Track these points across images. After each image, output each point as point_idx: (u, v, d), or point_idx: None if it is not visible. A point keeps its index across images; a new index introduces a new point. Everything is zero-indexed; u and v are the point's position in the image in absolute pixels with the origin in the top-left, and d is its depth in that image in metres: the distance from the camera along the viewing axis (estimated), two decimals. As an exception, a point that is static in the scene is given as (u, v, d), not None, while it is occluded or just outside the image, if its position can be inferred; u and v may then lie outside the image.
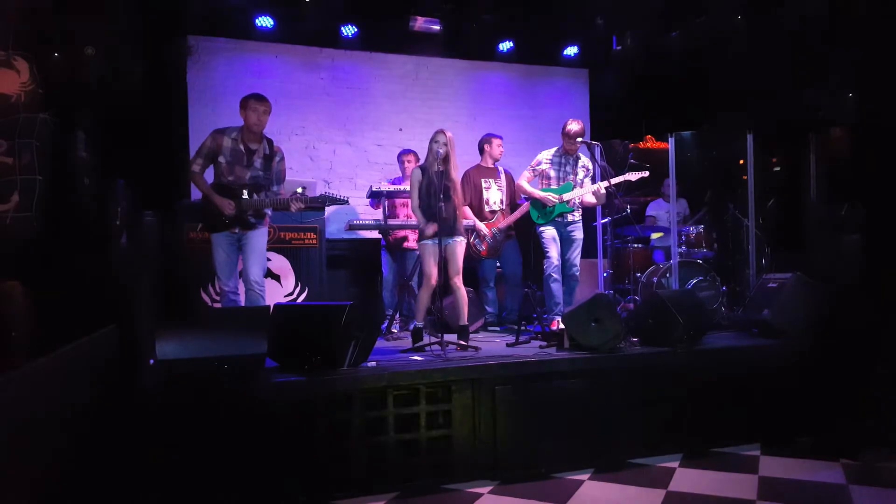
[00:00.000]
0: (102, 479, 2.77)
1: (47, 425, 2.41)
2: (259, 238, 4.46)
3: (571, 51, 7.75)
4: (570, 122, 5.25)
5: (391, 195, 5.65)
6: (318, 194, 6.14)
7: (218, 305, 4.89)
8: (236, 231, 4.38)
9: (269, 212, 4.57)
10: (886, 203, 4.72)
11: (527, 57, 7.78)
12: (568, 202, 5.21)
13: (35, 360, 2.55)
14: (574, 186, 5.27)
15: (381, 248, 5.96)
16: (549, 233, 5.25)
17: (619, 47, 7.41)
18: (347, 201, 4.63)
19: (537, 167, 5.36)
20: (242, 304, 4.49)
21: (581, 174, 5.36)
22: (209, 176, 4.43)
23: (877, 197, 4.85)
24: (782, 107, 5.93)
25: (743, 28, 6.39)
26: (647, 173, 5.37)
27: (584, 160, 5.41)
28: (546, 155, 5.37)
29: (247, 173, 4.42)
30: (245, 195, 4.37)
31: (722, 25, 6.46)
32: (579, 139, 5.21)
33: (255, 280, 4.41)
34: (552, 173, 5.31)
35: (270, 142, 4.52)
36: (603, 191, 5.26)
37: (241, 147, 4.41)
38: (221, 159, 4.38)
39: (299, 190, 5.62)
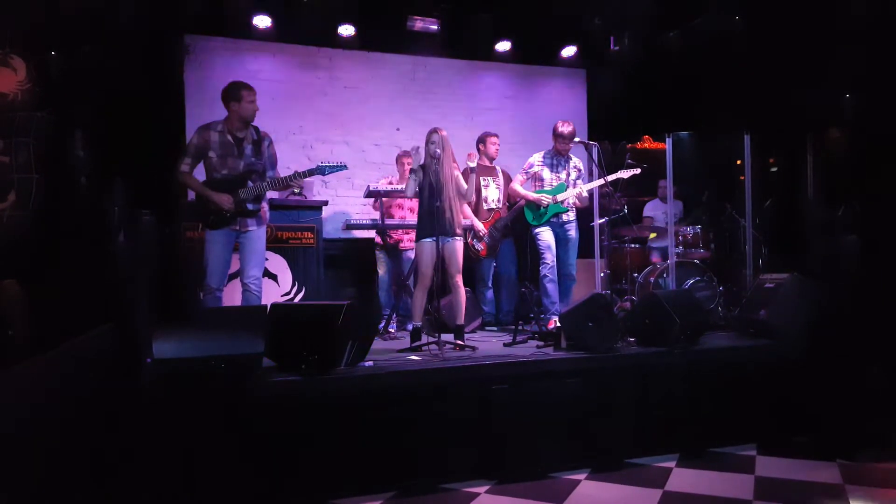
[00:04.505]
0: (99, 477, 2.77)
1: (44, 423, 2.41)
2: (258, 239, 4.44)
3: (569, 51, 7.74)
4: (561, 123, 5.28)
5: (388, 195, 5.65)
6: (315, 193, 6.17)
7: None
8: (237, 227, 4.33)
9: (265, 205, 4.51)
10: (883, 203, 4.73)
11: (524, 57, 7.77)
12: (562, 202, 5.23)
13: (32, 358, 2.55)
14: (567, 187, 5.29)
15: (377, 248, 5.95)
16: (544, 233, 5.27)
17: (616, 47, 7.40)
18: (346, 167, 4.55)
19: (529, 170, 5.40)
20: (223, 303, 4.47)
21: (573, 175, 5.38)
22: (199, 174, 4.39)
23: (874, 197, 4.86)
24: (780, 107, 5.94)
25: (740, 28, 6.40)
26: (638, 170, 5.38)
27: (576, 160, 5.45)
28: (537, 157, 5.41)
29: (240, 163, 4.34)
30: (243, 185, 4.32)
31: (719, 25, 6.47)
32: (576, 139, 5.24)
33: (254, 281, 4.39)
34: (545, 175, 5.34)
35: (256, 128, 4.43)
36: (585, 194, 5.30)
37: (229, 138, 4.32)
38: (212, 154, 4.29)
39: (296, 190, 5.64)
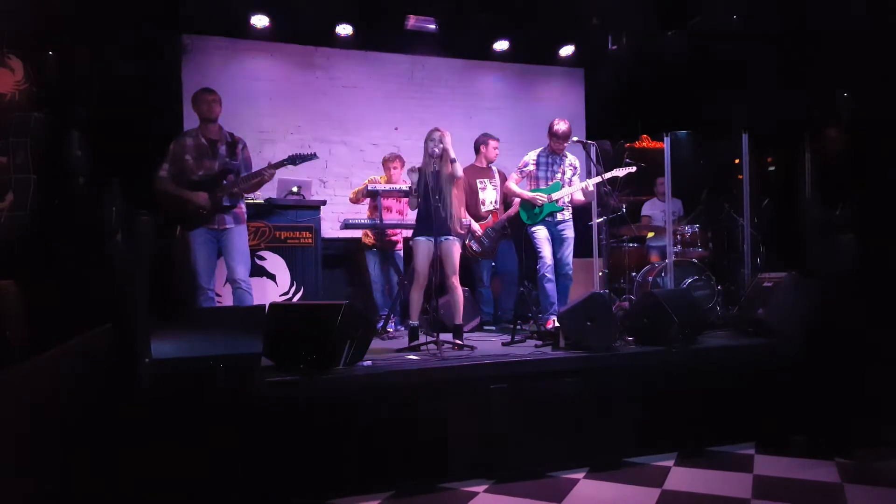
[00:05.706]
0: (98, 478, 2.77)
1: (42, 424, 2.41)
2: (239, 237, 4.53)
3: (567, 50, 7.75)
4: (556, 122, 5.26)
5: (387, 194, 5.63)
6: (313, 193, 6.16)
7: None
8: (215, 226, 4.43)
9: (242, 204, 4.60)
10: (881, 202, 4.73)
11: (522, 56, 7.78)
12: (557, 201, 5.22)
13: (30, 359, 2.55)
14: (562, 185, 5.29)
15: (367, 249, 5.92)
16: (540, 233, 5.26)
17: (614, 47, 7.40)
18: (316, 156, 4.70)
19: (524, 169, 5.38)
20: (216, 304, 4.55)
21: (569, 173, 5.37)
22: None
23: (872, 196, 4.87)
24: (777, 107, 5.94)
25: (738, 28, 6.40)
26: (634, 168, 5.38)
27: (571, 158, 5.43)
28: (532, 156, 5.39)
29: (215, 163, 4.51)
30: (218, 183, 4.45)
31: (717, 25, 6.47)
32: (574, 138, 5.23)
33: (241, 279, 4.48)
34: (540, 174, 5.33)
35: (231, 133, 4.62)
36: (591, 188, 5.27)
37: (204, 141, 4.51)
38: (188, 157, 4.45)
39: (294, 189, 5.63)
